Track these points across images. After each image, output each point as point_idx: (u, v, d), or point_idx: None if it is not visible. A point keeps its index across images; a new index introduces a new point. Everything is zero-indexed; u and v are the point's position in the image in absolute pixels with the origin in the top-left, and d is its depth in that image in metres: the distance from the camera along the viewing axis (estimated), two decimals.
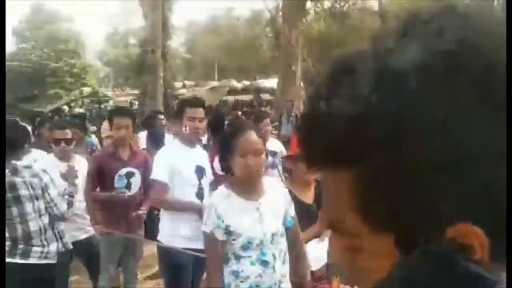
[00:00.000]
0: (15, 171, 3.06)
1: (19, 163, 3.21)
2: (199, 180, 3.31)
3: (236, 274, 2.22)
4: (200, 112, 3.36)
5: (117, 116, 3.84)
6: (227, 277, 2.24)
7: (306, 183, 2.87)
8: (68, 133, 3.97)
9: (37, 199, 3.10)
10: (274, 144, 5.22)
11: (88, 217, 4.04)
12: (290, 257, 2.45)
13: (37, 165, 4.32)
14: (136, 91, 25.77)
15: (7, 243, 3.05)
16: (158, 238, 3.39)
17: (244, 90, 25.67)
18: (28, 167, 3.24)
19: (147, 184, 3.71)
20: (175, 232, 3.21)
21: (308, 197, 2.86)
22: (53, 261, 3.20)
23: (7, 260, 2.99)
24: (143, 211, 3.78)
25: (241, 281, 2.22)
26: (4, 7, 2.03)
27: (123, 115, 3.87)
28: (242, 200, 2.26)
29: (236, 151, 2.20)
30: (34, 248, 3.13)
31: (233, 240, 2.22)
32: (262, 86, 25.40)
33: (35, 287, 3.10)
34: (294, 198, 2.74)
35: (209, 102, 23.22)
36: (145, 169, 3.80)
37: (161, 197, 3.30)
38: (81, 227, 3.98)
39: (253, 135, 2.25)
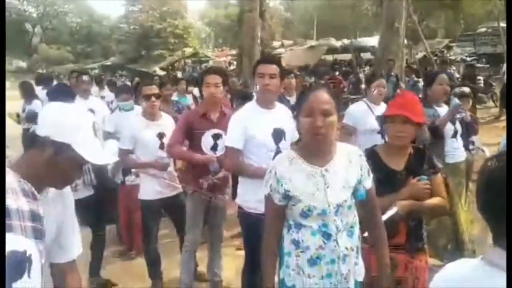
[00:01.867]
0: None
1: None
2: (277, 144, 3.10)
3: (296, 243, 2.09)
4: (271, 68, 3.11)
5: (208, 74, 3.79)
6: (288, 246, 2.12)
7: (400, 147, 2.56)
8: (155, 88, 4.05)
9: None
10: None
11: (175, 174, 4.08)
12: (367, 229, 2.25)
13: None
14: (235, 51, 26.01)
15: None
16: (237, 201, 3.28)
17: (344, 49, 24.71)
18: None
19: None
20: (251, 197, 3.06)
21: (399, 163, 2.56)
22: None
23: None
24: (223, 172, 3.69)
25: (301, 251, 2.07)
26: (4, 7, 1.98)
27: (213, 73, 3.79)
28: (305, 165, 2.07)
29: (302, 111, 2.05)
30: None
31: (293, 205, 2.07)
32: (362, 45, 24.28)
33: None
34: (380, 163, 2.54)
35: (307, 61, 22.87)
36: None
37: (234, 163, 3.16)
38: (170, 184, 4.02)
39: (323, 94, 2.04)
